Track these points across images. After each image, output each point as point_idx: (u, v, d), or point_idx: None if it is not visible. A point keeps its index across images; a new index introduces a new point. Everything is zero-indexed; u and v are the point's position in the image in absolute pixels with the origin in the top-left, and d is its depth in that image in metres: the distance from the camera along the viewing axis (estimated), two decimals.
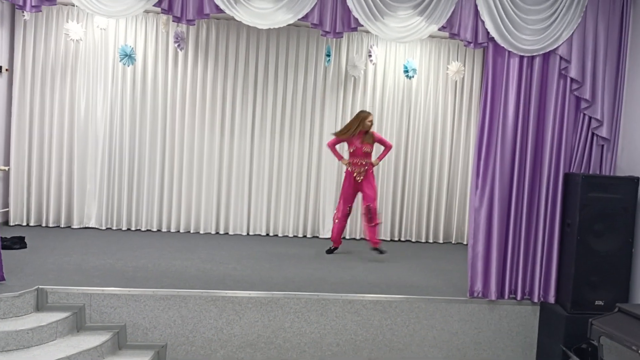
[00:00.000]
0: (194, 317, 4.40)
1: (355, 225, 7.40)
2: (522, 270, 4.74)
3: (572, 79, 4.66)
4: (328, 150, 7.22)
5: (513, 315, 4.75)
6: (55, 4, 4.58)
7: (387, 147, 6.19)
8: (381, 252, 6.15)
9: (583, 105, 4.68)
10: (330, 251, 6.30)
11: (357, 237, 7.39)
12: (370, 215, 6.06)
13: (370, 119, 5.99)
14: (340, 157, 6.19)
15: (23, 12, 6.21)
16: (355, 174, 6.07)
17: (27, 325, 3.90)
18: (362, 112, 6.09)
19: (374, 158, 6.17)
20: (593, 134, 4.70)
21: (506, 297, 4.75)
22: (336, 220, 6.22)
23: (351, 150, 6.11)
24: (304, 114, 7.27)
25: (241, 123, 7.19)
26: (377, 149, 6.22)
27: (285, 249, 6.46)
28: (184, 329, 4.39)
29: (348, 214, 6.25)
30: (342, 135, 6.09)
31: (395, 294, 4.69)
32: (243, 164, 7.23)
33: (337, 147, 6.24)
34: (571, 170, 4.70)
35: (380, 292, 4.73)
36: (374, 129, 6.38)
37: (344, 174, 6.32)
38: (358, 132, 6.02)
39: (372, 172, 6.17)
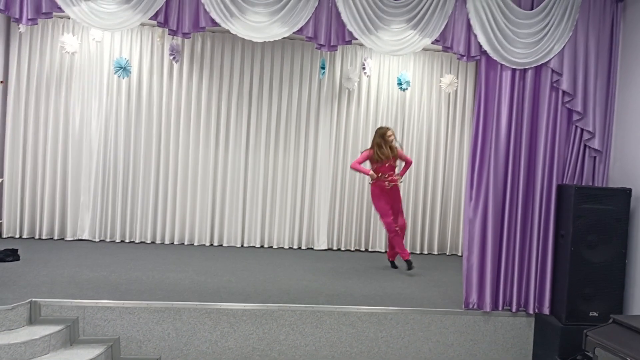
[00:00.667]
0: (188, 330, 4.38)
1: (351, 237, 7.40)
2: (517, 282, 4.76)
3: (564, 92, 4.71)
4: (323, 162, 7.29)
5: (508, 326, 4.76)
6: (52, 17, 4.59)
7: (408, 163, 6.13)
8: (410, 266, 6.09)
9: (575, 117, 4.73)
10: (405, 266, 6.12)
11: (352, 249, 7.39)
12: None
13: (389, 133, 5.90)
14: (367, 172, 5.96)
15: (18, 24, 6.22)
16: (385, 183, 5.91)
17: (20, 339, 3.87)
18: (380, 128, 6.00)
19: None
20: (585, 145, 4.75)
21: (501, 308, 4.76)
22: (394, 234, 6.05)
23: (375, 167, 5.97)
24: (298, 126, 7.30)
25: (236, 135, 7.20)
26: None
27: (279, 260, 6.45)
28: (178, 342, 4.37)
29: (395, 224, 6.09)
30: (380, 160, 5.89)
31: (390, 306, 4.69)
32: (237, 176, 7.22)
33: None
34: (564, 182, 4.74)
35: (375, 304, 4.73)
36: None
37: (370, 194, 6.16)
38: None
39: (398, 185, 6.11)
